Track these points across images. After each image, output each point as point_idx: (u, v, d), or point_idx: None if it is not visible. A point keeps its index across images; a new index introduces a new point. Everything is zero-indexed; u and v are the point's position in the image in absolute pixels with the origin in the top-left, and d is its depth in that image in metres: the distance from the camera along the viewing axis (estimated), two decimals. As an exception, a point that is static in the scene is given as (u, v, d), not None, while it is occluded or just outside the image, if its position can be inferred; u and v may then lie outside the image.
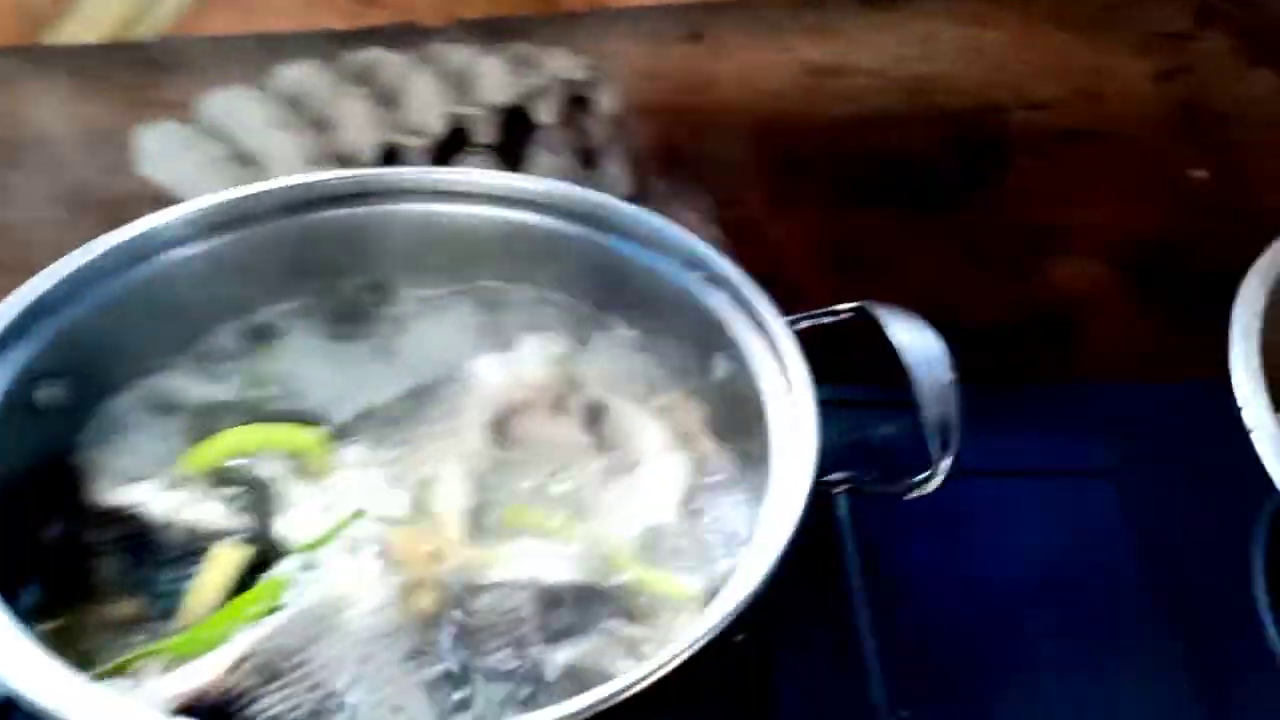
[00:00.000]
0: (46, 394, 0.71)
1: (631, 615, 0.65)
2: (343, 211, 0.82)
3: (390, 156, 1.46)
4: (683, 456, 0.73)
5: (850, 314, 0.70)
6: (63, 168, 1.84)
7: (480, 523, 0.71)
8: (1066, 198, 1.49)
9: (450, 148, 1.50)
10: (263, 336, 0.83)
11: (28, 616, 0.58)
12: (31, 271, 1.68)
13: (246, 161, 1.49)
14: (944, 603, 0.85)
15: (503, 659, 0.61)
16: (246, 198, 0.80)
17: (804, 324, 0.71)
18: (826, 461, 0.61)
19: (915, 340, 0.65)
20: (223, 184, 1.41)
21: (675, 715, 0.61)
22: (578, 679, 0.60)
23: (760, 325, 0.70)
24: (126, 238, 0.77)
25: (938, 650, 0.82)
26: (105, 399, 0.75)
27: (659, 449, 0.74)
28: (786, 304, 0.77)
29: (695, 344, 0.77)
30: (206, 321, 0.81)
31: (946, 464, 0.61)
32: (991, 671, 0.82)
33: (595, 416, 0.78)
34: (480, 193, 0.84)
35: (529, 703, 0.59)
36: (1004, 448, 0.95)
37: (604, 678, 0.59)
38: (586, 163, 1.54)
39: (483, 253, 0.84)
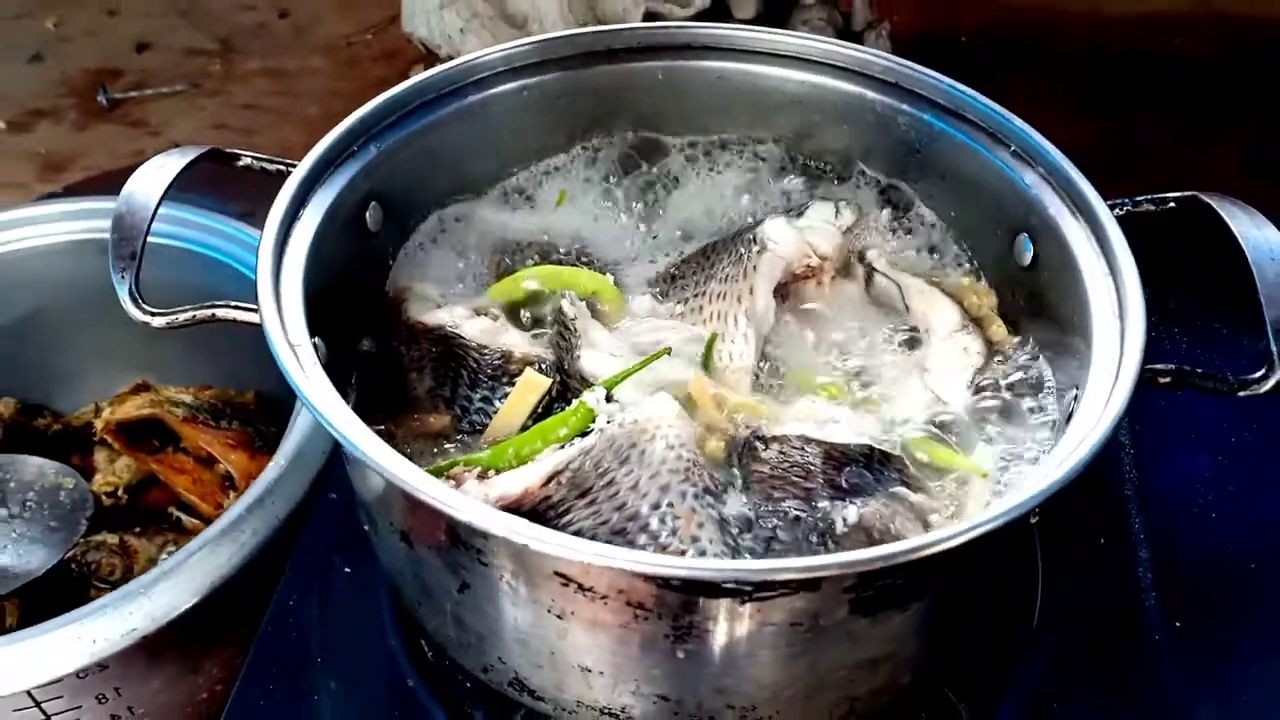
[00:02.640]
0: (370, 215, 0.75)
1: (917, 483, 0.65)
2: (647, 64, 0.82)
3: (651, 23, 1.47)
4: (975, 337, 0.72)
5: (1176, 204, 0.66)
6: (327, 21, 1.92)
7: (765, 380, 0.72)
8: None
9: (710, 20, 1.49)
10: (556, 182, 0.85)
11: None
12: (302, 119, 1.77)
13: (512, 22, 1.52)
14: (1218, 518, 0.82)
15: (792, 507, 0.62)
16: (555, 41, 0.81)
17: (1124, 210, 0.67)
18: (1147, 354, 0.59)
19: (1257, 234, 0.61)
20: (488, 42, 1.45)
21: (961, 584, 0.61)
22: (866, 535, 0.60)
23: (1079, 208, 0.67)
24: (439, 73, 0.79)
25: (1210, 566, 0.79)
26: (417, 225, 0.79)
27: (950, 327, 0.73)
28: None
29: (996, 222, 0.74)
30: (509, 162, 0.83)
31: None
32: (1264, 590, 0.79)
33: (880, 289, 0.77)
34: (779, 52, 0.82)
35: (818, 551, 0.60)
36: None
37: (892, 537, 0.60)
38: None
39: (776, 114, 0.83)
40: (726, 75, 0.83)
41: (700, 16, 1.46)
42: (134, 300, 0.62)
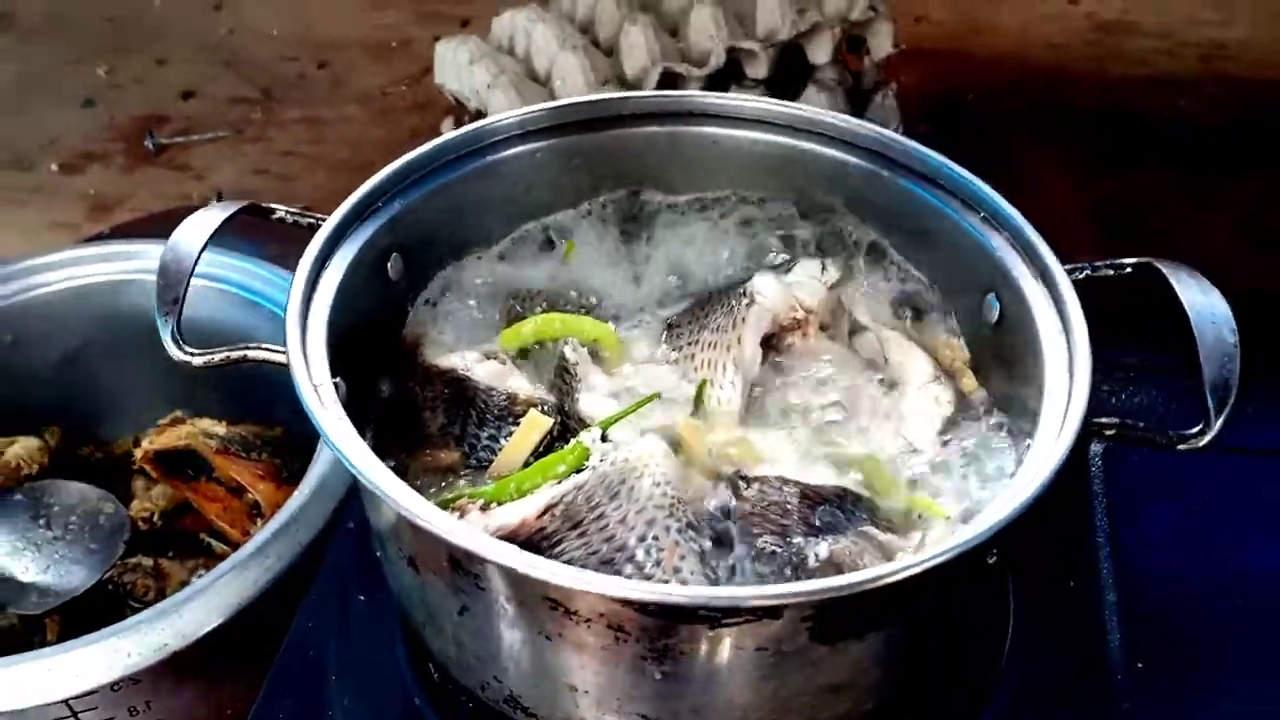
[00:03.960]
0: (391, 265, 0.82)
1: (886, 524, 0.70)
2: (653, 128, 0.89)
3: (668, 83, 1.54)
4: (946, 388, 0.78)
5: (1132, 269, 0.72)
6: (364, 73, 2.01)
7: (750, 423, 0.78)
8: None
9: (724, 79, 1.56)
10: (564, 235, 0.91)
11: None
12: (337, 165, 1.85)
13: (536, 78, 1.60)
14: (1186, 567, 0.87)
15: (768, 542, 0.68)
16: (567, 107, 0.87)
17: (1083, 274, 0.73)
18: (1099, 409, 0.64)
19: (1201, 299, 0.66)
20: (513, 98, 1.53)
21: (918, 618, 0.66)
22: (835, 570, 0.66)
23: (1040, 272, 0.73)
24: (460, 134, 0.85)
25: (1175, 611, 0.84)
26: (434, 274, 0.86)
27: (924, 378, 0.78)
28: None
29: (967, 282, 0.80)
30: (521, 216, 0.90)
31: (1220, 423, 0.63)
32: (1227, 638, 0.83)
33: (862, 341, 0.83)
34: (770, 120, 0.88)
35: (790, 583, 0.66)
36: (1264, 424, 0.94)
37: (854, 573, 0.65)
38: (856, 103, 1.57)
39: (767, 177, 0.90)
40: (724, 140, 0.89)
41: (715, 76, 1.53)
42: (175, 341, 0.69)
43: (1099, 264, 0.74)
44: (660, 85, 1.50)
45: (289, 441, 1.13)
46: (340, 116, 1.88)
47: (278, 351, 0.69)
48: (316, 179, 1.73)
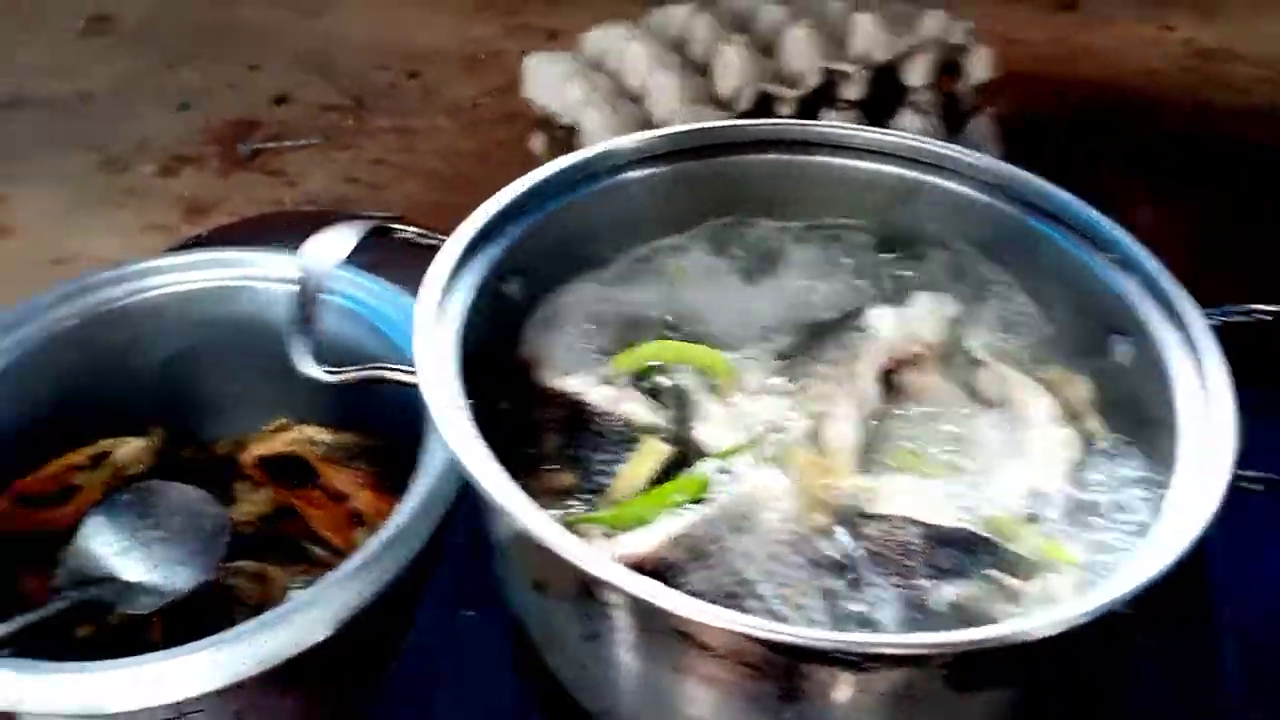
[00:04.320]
0: (509, 287, 0.82)
1: (1011, 568, 0.69)
2: (765, 156, 0.89)
3: (762, 104, 1.54)
4: (1071, 430, 0.77)
5: (1274, 317, 0.70)
6: (454, 84, 2.03)
7: (868, 459, 0.77)
8: None
9: (818, 101, 1.56)
10: (676, 261, 0.91)
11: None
12: (426, 175, 1.88)
13: (628, 96, 1.61)
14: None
15: (891, 583, 0.67)
16: (683, 134, 0.88)
17: (1217, 320, 0.72)
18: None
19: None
20: (606, 115, 1.54)
21: (1053, 667, 0.66)
22: (961, 615, 0.65)
23: (1174, 316, 0.72)
24: (579, 159, 0.86)
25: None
26: (550, 297, 0.87)
27: (1047, 419, 0.77)
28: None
29: (1092, 323, 0.79)
30: (634, 240, 0.90)
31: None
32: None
33: (980, 378, 0.82)
34: (889, 151, 0.88)
35: (914, 626, 0.65)
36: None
37: (986, 619, 0.65)
38: (951, 127, 1.56)
39: (884, 208, 0.89)
40: (840, 170, 0.89)
41: (809, 97, 1.53)
42: (311, 359, 0.70)
43: (1231, 309, 0.73)
44: (754, 106, 1.51)
45: (385, 451, 1.14)
46: (430, 126, 1.90)
47: (408, 372, 0.69)
48: (407, 188, 1.75)
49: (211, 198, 1.76)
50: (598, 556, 0.59)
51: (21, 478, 1.07)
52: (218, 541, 1.03)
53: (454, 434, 0.63)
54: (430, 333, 0.70)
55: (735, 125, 0.88)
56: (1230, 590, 0.84)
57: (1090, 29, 2.05)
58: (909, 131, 1.45)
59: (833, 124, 0.87)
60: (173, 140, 1.90)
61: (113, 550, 1.01)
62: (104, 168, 1.85)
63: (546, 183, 0.84)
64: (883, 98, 1.57)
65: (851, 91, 1.54)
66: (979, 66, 1.56)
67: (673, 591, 0.57)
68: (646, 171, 0.88)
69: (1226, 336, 0.71)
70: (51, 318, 1.13)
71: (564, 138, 1.68)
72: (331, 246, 0.74)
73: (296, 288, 0.71)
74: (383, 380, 0.71)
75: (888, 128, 1.42)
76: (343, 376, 0.70)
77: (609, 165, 0.87)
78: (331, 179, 1.79)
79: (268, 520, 1.09)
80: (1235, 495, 0.87)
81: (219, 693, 0.85)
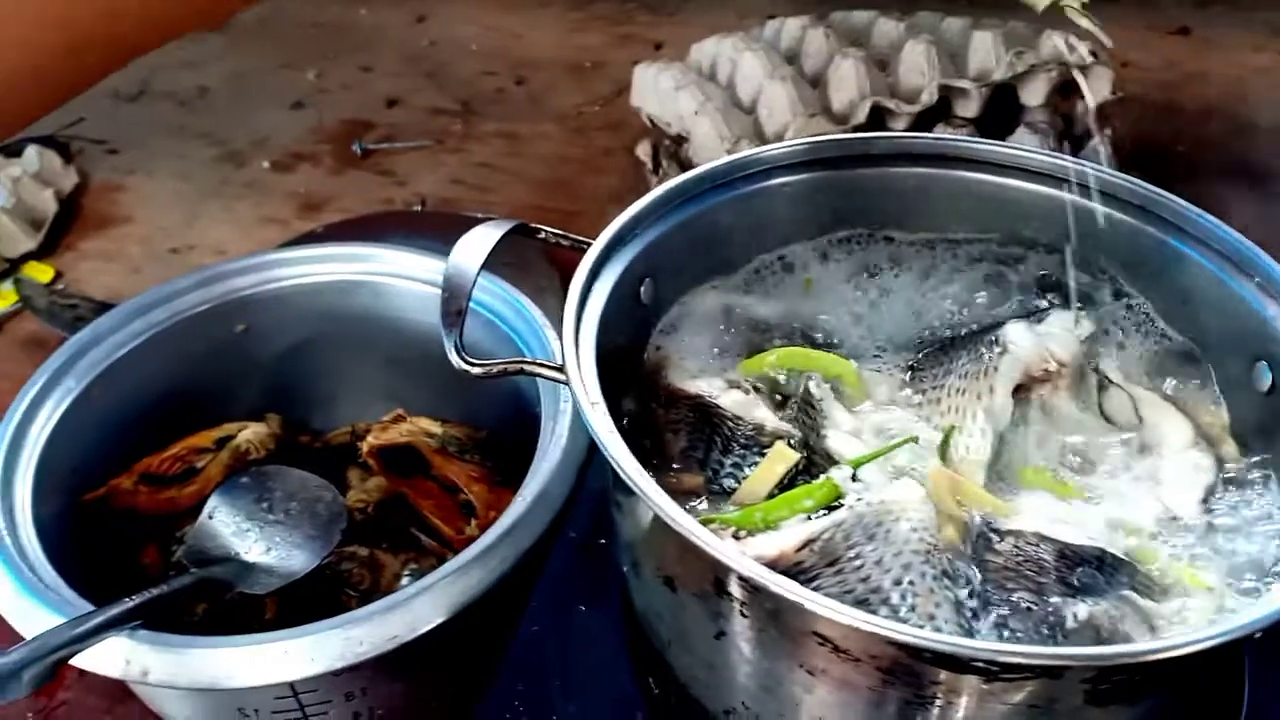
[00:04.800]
0: (643, 290, 0.83)
1: (1145, 590, 0.68)
2: (900, 169, 0.89)
3: (876, 118, 1.53)
4: (1207, 454, 0.75)
5: None
6: (560, 91, 2.06)
7: (998, 475, 0.77)
8: None
9: (933, 117, 1.55)
10: (805, 269, 0.92)
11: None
12: (532, 180, 1.90)
13: (742, 107, 1.61)
14: None
15: (1024, 598, 0.67)
16: (822, 144, 0.88)
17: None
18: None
19: None
20: (719, 125, 1.54)
21: (1185, 686, 0.65)
22: (1094, 633, 0.64)
23: (1321, 343, 0.70)
24: (719, 165, 0.87)
25: None
26: (679, 301, 0.87)
27: (1183, 442, 0.76)
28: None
29: (1234, 346, 0.78)
30: (763, 248, 0.91)
31: None
32: None
33: (1113, 399, 0.81)
34: (1028, 168, 0.87)
35: (1046, 643, 0.65)
36: None
37: (1120, 638, 0.64)
38: (1066, 148, 1.54)
39: (1020, 224, 0.89)
40: (974, 185, 0.88)
41: (924, 114, 1.52)
42: (458, 352, 0.72)
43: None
44: (869, 120, 1.50)
45: (494, 444, 1.16)
46: (536, 133, 1.92)
47: (552, 368, 0.71)
48: (513, 192, 1.78)
49: (324, 194, 1.80)
50: (736, 551, 0.59)
51: (146, 457, 1.12)
52: (333, 527, 1.05)
53: (600, 427, 0.64)
54: (574, 332, 0.72)
55: (870, 137, 0.88)
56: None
57: (1205, 54, 2.01)
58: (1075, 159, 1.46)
59: (970, 139, 0.87)
60: (288, 138, 1.95)
61: (232, 531, 1.04)
62: (222, 161, 1.90)
63: (684, 189, 0.85)
64: (999, 116, 1.56)
65: (967, 109, 1.53)
66: (1101, 88, 1.53)
67: (811, 591, 0.57)
68: (780, 180, 0.89)
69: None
70: (181, 304, 1.17)
71: (672, 147, 1.69)
72: (478, 245, 0.75)
73: (441, 286, 0.73)
74: (524, 374, 0.73)
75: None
76: (486, 369, 0.72)
77: (746, 174, 0.88)
78: (440, 181, 1.82)
79: (380, 508, 1.12)
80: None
81: (334, 674, 0.87)
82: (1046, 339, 0.80)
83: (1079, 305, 0.85)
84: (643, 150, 1.79)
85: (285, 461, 1.14)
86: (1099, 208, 0.84)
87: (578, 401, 0.66)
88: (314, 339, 1.23)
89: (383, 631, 0.86)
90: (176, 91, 2.12)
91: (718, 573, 0.62)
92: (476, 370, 0.71)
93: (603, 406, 0.67)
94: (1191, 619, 0.67)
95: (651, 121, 1.73)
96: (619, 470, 0.62)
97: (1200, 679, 0.66)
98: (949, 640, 0.56)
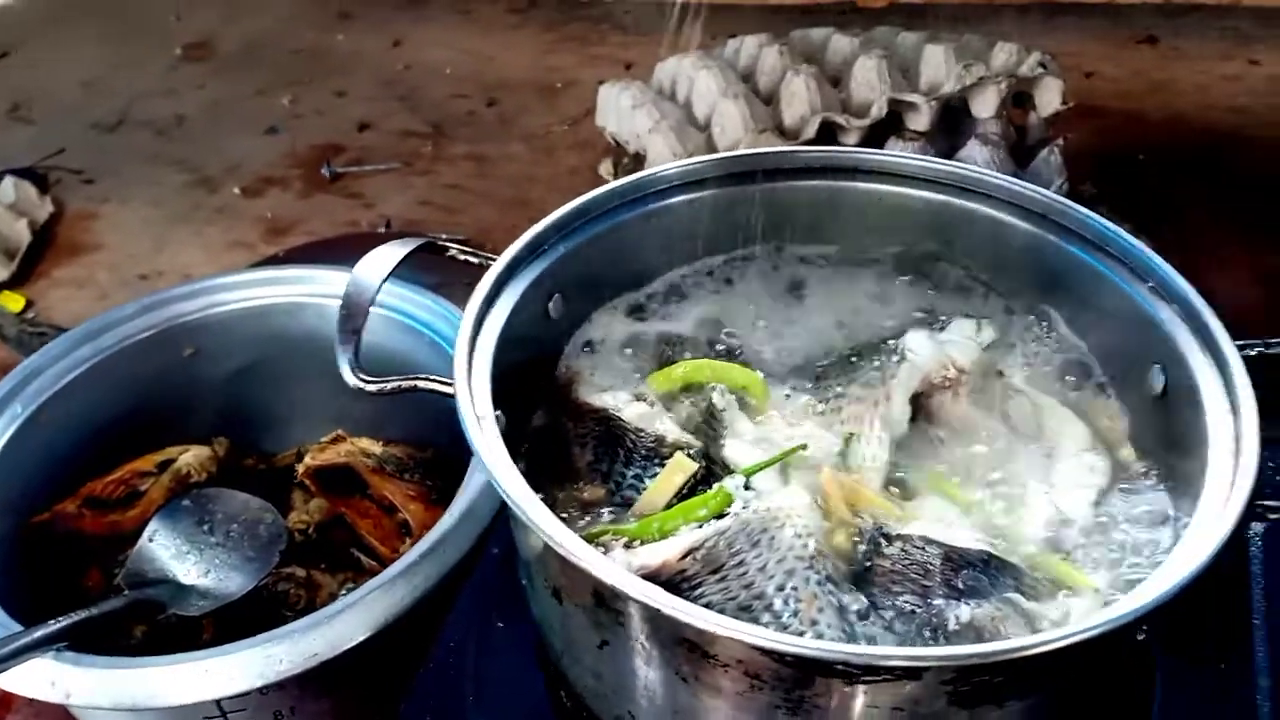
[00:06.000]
0: (552, 305, 0.84)
1: (1030, 592, 0.69)
2: (813, 183, 0.90)
3: (827, 133, 1.54)
4: (1102, 457, 0.76)
5: (1310, 348, 0.69)
6: (531, 112, 2.08)
7: (894, 480, 0.77)
8: None
9: (884, 130, 1.56)
10: (718, 283, 0.93)
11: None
12: (499, 200, 1.92)
13: (696, 125, 1.63)
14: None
15: (908, 602, 0.67)
16: (722, 160, 0.89)
17: (1255, 352, 0.70)
18: (1263, 490, 0.62)
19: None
20: (672, 143, 1.56)
21: (1060, 690, 0.65)
22: (976, 635, 0.65)
23: (1210, 347, 0.71)
24: (626, 182, 0.88)
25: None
26: (589, 317, 0.89)
27: (1079, 446, 0.76)
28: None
29: (1131, 351, 0.78)
30: (676, 262, 0.92)
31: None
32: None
33: (1015, 405, 0.81)
34: (932, 178, 0.88)
35: (928, 644, 0.65)
36: None
37: (1001, 639, 0.64)
38: (1019, 159, 1.55)
39: (926, 234, 0.90)
40: (883, 196, 0.89)
41: (875, 127, 1.53)
42: (353, 369, 0.73)
43: (1274, 340, 0.72)
44: (819, 135, 1.51)
45: (439, 463, 1.17)
46: (505, 154, 1.95)
47: (445, 383, 0.72)
48: (480, 213, 1.80)
49: (292, 218, 1.83)
50: (608, 564, 0.60)
51: (91, 481, 1.13)
52: (272, 549, 1.07)
53: (481, 441, 0.65)
54: (468, 345, 0.73)
55: (779, 151, 0.89)
56: (1272, 626, 0.81)
57: (1172, 63, 2.02)
58: (976, 163, 1.46)
59: (875, 151, 0.87)
60: (260, 163, 1.98)
61: (171, 554, 1.05)
62: (194, 188, 1.93)
63: (592, 205, 0.86)
64: (951, 129, 1.57)
65: (919, 122, 1.54)
66: (1050, 99, 1.54)
67: (682, 601, 0.58)
68: (691, 196, 0.90)
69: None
70: (128, 329, 1.19)
71: (631, 165, 1.71)
72: (379, 264, 0.76)
73: (340, 303, 0.74)
74: (419, 390, 0.74)
75: (954, 159, 1.43)
76: (380, 386, 0.73)
77: (656, 190, 0.89)
78: (407, 202, 1.84)
79: (321, 529, 1.13)
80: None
81: (262, 690, 0.88)
82: (948, 347, 0.81)
83: (981, 313, 0.85)
84: (604, 168, 1.80)
85: (233, 484, 1.15)
86: (1001, 215, 0.85)
87: (461, 416, 0.67)
88: (262, 361, 1.25)
89: (303, 649, 0.87)
90: (154, 120, 2.16)
91: (593, 584, 0.62)
92: (371, 388, 0.73)
93: (491, 422, 0.68)
94: (1075, 619, 0.67)
95: (615, 140, 1.75)
96: (493, 482, 0.63)
97: (1084, 678, 0.66)
98: (791, 641, 0.56)
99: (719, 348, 0.88)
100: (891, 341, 0.82)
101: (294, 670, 0.87)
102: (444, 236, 1.69)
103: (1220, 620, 0.82)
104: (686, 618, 0.56)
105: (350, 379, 0.73)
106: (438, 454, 1.18)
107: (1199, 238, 1.56)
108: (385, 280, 0.76)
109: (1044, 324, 0.84)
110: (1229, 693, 0.78)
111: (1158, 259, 0.77)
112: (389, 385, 0.73)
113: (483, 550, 0.92)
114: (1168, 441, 0.74)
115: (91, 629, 0.92)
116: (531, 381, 0.83)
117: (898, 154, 0.88)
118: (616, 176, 1.74)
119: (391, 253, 0.78)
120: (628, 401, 0.81)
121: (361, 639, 0.88)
